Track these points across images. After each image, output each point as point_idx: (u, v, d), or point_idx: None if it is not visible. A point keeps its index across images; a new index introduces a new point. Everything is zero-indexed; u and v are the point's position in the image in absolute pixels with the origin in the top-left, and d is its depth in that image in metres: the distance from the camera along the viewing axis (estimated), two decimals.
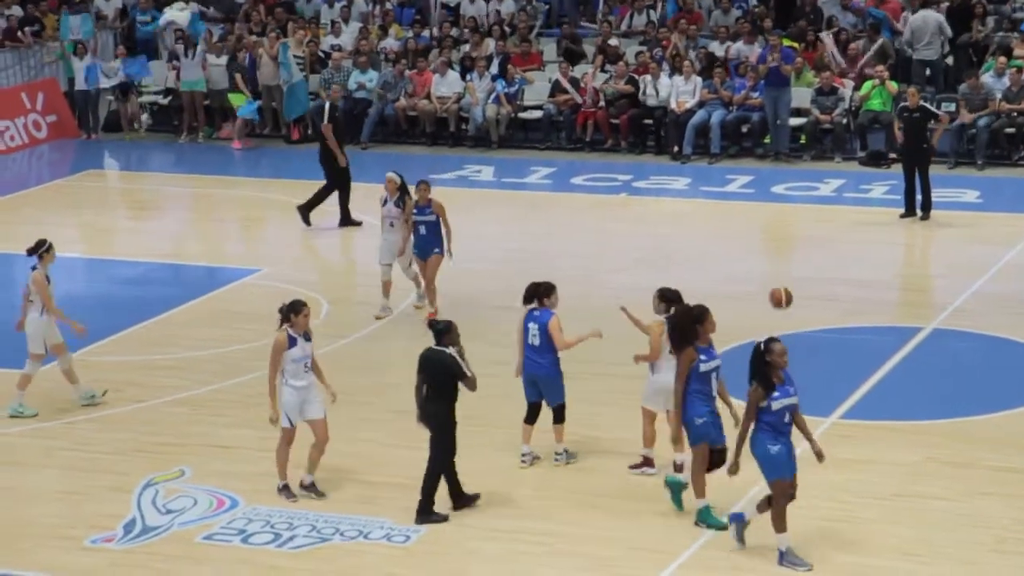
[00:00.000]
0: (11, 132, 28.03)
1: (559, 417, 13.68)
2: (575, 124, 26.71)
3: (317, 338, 17.21)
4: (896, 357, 16.34)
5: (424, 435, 12.94)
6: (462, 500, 13.00)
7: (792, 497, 11.74)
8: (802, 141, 25.79)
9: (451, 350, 12.71)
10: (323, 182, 21.97)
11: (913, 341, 16.90)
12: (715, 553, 12.20)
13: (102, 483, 13.76)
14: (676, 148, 25.89)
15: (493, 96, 27.02)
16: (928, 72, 26.48)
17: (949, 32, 26.47)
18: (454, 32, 29.29)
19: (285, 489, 13.25)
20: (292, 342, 12.98)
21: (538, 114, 27.13)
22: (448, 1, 30.53)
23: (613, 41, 28.01)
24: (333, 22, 29.77)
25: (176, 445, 14.56)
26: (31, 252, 15.24)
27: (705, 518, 12.47)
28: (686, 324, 12.42)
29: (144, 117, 28.93)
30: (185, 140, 28.21)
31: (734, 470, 11.76)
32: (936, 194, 21.91)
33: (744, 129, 26.04)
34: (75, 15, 29.72)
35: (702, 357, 12.32)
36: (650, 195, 24.03)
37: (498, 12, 29.75)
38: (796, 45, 26.69)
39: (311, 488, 13.27)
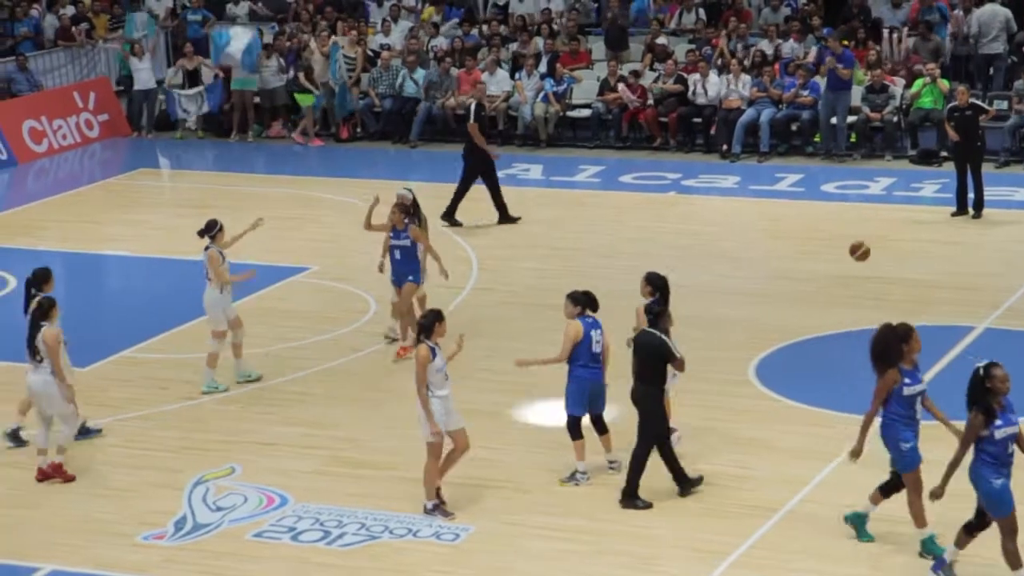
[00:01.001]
0: (64, 131, 28.19)
1: (604, 427, 13.59)
2: (623, 122, 26.66)
3: (364, 337, 17.38)
4: (947, 357, 16.22)
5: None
6: (687, 484, 13.01)
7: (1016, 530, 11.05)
8: (852, 139, 25.65)
9: (663, 334, 12.79)
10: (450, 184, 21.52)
11: (965, 340, 16.78)
12: (765, 552, 12.17)
13: (153, 480, 13.85)
14: (725, 147, 25.82)
15: (542, 95, 27.02)
16: (991, 69, 26.25)
17: (1015, 27, 26.30)
18: (503, 30, 29.30)
19: (437, 508, 12.83)
20: (433, 353, 12.69)
21: (587, 113, 27.11)
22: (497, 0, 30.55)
23: (661, 40, 27.95)
24: (383, 20, 29.83)
25: (225, 442, 14.64)
26: (203, 233, 15.73)
27: (931, 549, 11.81)
28: (891, 343, 11.61)
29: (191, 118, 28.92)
30: (236, 139, 28.34)
31: (938, 494, 11.15)
32: (988, 192, 21.75)
33: (794, 127, 25.93)
34: (139, 12, 29.89)
35: (906, 380, 11.63)
36: (699, 194, 23.96)
37: (547, 11, 29.74)
38: (847, 43, 26.52)
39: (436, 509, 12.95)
